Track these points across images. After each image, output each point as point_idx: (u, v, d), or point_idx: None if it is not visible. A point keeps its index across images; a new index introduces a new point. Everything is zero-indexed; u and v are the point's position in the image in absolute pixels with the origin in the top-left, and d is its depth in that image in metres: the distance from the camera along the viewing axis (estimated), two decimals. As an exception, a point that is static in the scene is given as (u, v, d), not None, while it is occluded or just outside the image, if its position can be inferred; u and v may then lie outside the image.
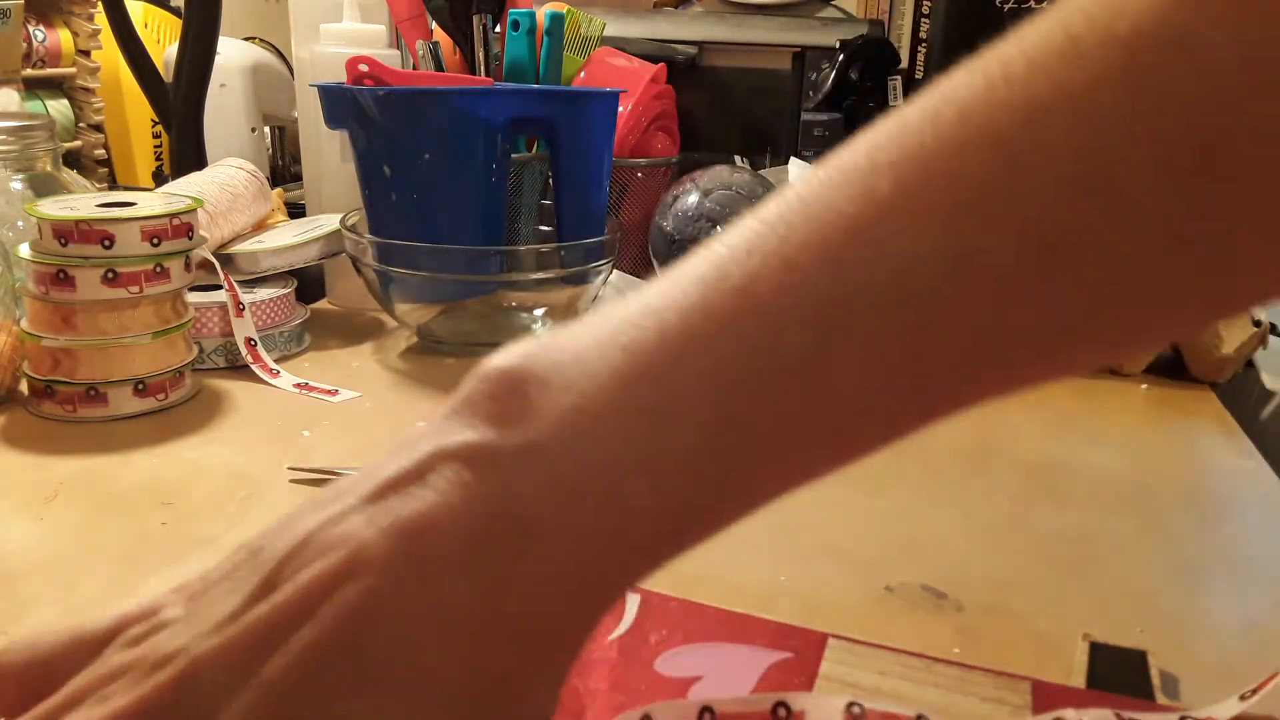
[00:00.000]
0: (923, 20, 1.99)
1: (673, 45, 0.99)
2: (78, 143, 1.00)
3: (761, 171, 0.90)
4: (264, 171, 0.95)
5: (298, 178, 0.95)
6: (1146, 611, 0.42)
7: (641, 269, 0.85)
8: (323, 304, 0.83)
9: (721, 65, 1.02)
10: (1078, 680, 0.36)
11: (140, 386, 0.58)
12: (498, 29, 0.77)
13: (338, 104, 0.65)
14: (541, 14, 0.76)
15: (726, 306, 0.22)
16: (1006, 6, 0.76)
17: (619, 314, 0.23)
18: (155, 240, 0.57)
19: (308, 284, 0.79)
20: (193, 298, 0.64)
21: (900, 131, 0.22)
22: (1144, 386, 0.70)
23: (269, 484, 0.50)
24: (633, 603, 0.39)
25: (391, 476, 0.22)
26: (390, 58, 0.78)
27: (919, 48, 2.00)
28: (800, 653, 0.37)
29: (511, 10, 0.76)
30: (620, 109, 0.77)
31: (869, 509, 0.50)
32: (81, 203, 0.58)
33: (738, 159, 1.00)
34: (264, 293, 0.68)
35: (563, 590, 0.22)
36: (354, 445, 0.55)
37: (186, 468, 0.52)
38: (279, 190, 0.84)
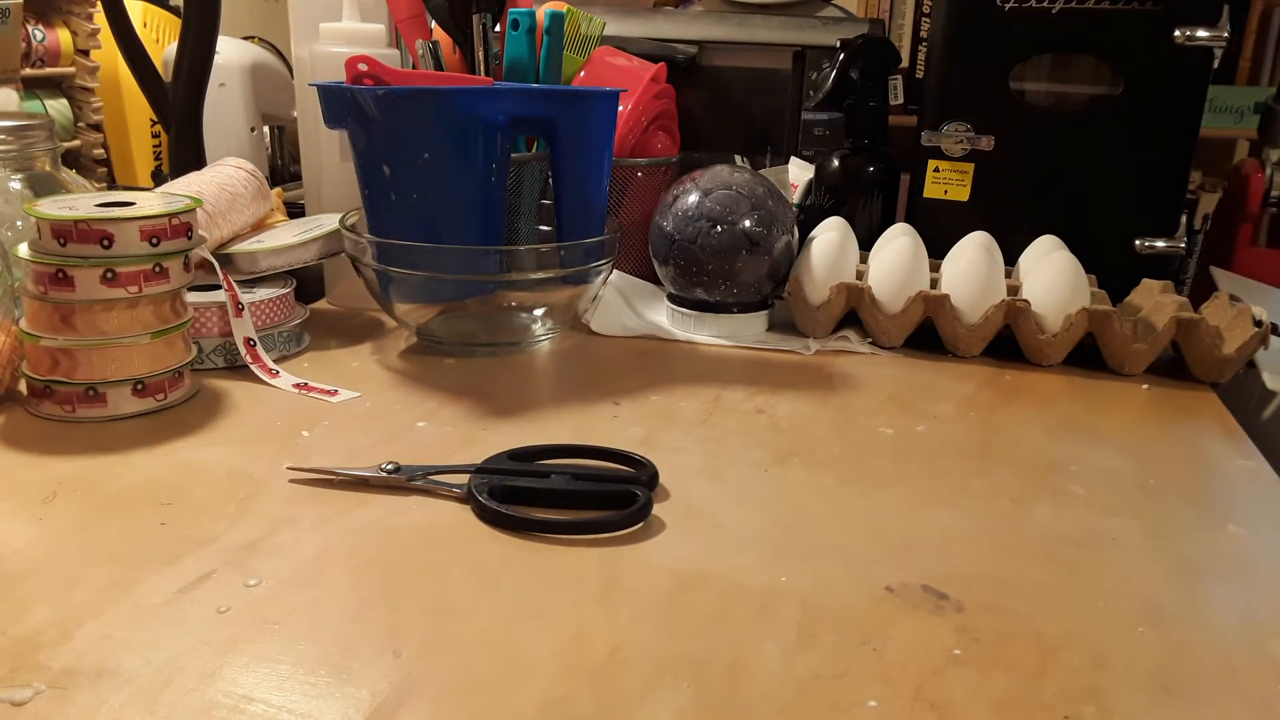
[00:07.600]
0: (923, 20, 1.99)
1: (673, 45, 0.99)
2: (77, 142, 1.00)
3: (761, 171, 0.90)
4: (263, 171, 0.95)
5: (297, 177, 0.95)
6: (1147, 611, 0.42)
7: (641, 269, 0.85)
8: (322, 304, 0.83)
9: (721, 65, 1.02)
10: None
11: (139, 387, 0.58)
12: (497, 28, 0.77)
13: (337, 103, 0.65)
14: (541, 13, 0.76)
15: None
16: (1007, 6, 0.76)
17: None
18: (154, 240, 0.57)
19: (307, 284, 0.79)
20: (192, 298, 0.64)
21: None
22: (1145, 387, 0.70)
23: (268, 484, 0.50)
24: None
25: None
26: (390, 57, 0.78)
27: (919, 47, 2.00)
28: None
29: (511, 9, 0.76)
30: (620, 109, 0.77)
31: (869, 509, 0.50)
32: (80, 202, 0.58)
33: (738, 159, 1.00)
34: (263, 293, 0.68)
35: None
36: (353, 445, 0.55)
37: (185, 468, 0.52)
38: (278, 190, 0.84)
